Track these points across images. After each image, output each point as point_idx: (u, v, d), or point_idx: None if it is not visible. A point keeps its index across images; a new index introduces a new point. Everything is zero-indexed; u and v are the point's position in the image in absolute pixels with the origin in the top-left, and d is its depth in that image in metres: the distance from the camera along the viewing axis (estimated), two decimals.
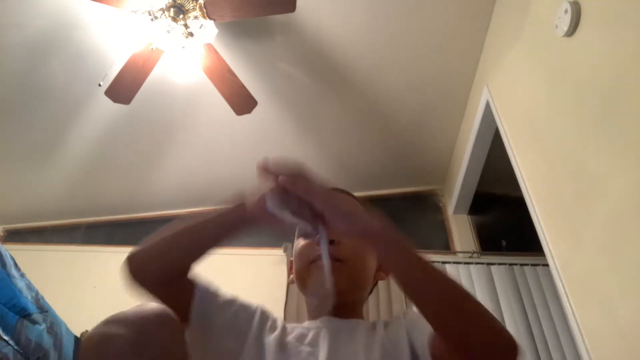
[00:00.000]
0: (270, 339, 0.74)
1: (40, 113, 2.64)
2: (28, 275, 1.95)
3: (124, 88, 2.20)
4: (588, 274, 1.55)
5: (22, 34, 2.27)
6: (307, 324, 0.80)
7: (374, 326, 0.78)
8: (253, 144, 2.99)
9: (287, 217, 0.65)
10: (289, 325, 0.79)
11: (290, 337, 0.75)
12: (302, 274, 0.81)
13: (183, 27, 2.00)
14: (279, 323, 0.79)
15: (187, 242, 0.73)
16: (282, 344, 0.73)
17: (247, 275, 2.87)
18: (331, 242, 0.74)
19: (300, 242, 0.84)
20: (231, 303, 0.79)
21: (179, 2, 1.99)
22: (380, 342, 0.73)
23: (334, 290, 0.72)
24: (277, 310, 2.19)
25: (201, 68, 2.17)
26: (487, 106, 2.43)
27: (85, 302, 2.73)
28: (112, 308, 2.65)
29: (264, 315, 0.80)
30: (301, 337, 0.75)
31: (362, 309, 0.84)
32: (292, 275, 0.86)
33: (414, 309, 0.71)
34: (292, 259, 0.87)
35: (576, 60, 1.61)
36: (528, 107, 1.99)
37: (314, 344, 0.73)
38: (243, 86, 2.25)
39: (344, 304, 0.77)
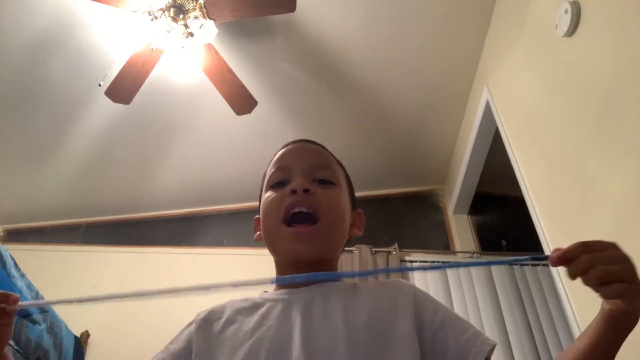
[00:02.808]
0: (230, 331, 0.66)
1: (40, 113, 2.64)
2: (28, 275, 1.96)
3: (124, 88, 2.20)
4: None
5: (22, 34, 2.27)
6: (273, 294, 0.72)
7: (354, 287, 0.71)
8: (253, 143, 2.99)
9: None
10: (243, 302, 0.71)
11: (255, 317, 0.67)
12: (272, 235, 0.73)
13: (183, 27, 2.00)
14: (228, 310, 0.70)
15: None
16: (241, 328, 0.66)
17: (247, 274, 2.86)
18: (305, 191, 0.71)
19: (269, 195, 0.75)
20: None
21: (179, 2, 1.99)
22: (366, 305, 0.66)
23: (309, 260, 0.69)
24: None
25: (201, 68, 2.17)
26: (487, 106, 2.43)
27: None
28: (112, 308, 2.68)
29: (204, 323, 0.69)
30: (268, 312, 0.67)
31: (336, 268, 0.77)
32: (258, 233, 0.78)
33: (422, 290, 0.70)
34: (258, 216, 0.79)
35: (576, 60, 1.61)
36: (528, 107, 1.99)
37: (284, 317, 0.65)
38: (243, 86, 2.25)
39: (315, 266, 0.69)
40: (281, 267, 0.75)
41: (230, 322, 0.67)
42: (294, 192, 0.71)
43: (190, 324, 0.70)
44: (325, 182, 0.75)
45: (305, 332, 0.62)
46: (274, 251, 0.74)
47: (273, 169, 0.79)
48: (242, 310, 0.69)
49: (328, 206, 0.72)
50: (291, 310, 0.66)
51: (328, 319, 0.64)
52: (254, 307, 0.69)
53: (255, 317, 0.67)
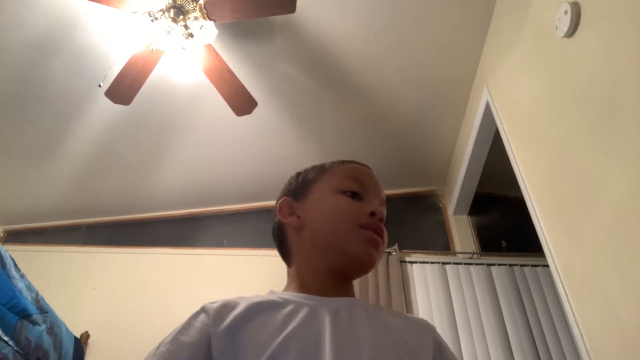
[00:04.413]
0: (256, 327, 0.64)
1: (40, 114, 2.64)
2: (28, 276, 1.96)
3: (124, 89, 2.20)
4: (588, 274, 1.55)
5: (22, 35, 2.27)
6: (292, 295, 0.70)
7: (376, 308, 0.74)
8: (253, 144, 2.99)
9: None
10: (259, 298, 0.69)
11: (279, 316, 0.65)
12: (344, 234, 0.72)
13: (183, 28, 2.01)
14: (244, 305, 0.67)
15: None
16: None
17: (246, 275, 2.87)
18: (380, 220, 0.74)
19: (343, 199, 0.76)
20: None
21: (179, 2, 1.99)
22: (392, 334, 0.68)
23: (373, 266, 0.72)
24: None
25: (201, 69, 2.17)
26: (487, 107, 2.43)
27: (85, 302, 2.74)
28: (112, 309, 2.68)
29: (219, 315, 0.66)
30: (293, 313, 0.66)
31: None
32: (294, 217, 0.77)
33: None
34: (287, 197, 0.80)
35: (576, 61, 1.61)
36: (528, 107, 1.99)
37: (311, 321, 0.64)
38: (243, 87, 2.26)
39: (350, 280, 0.75)
40: (317, 269, 0.74)
41: (249, 317, 0.65)
42: (373, 214, 0.74)
43: (198, 315, 0.67)
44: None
45: (335, 341, 0.62)
46: (335, 250, 0.73)
47: (347, 178, 0.79)
48: (261, 306, 0.67)
49: (386, 243, 0.75)
50: (317, 315, 0.65)
51: (354, 333, 0.65)
52: (274, 305, 0.67)
53: (279, 316, 0.65)
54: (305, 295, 0.70)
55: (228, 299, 0.69)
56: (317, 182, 0.80)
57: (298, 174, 0.85)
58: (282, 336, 0.61)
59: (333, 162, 0.84)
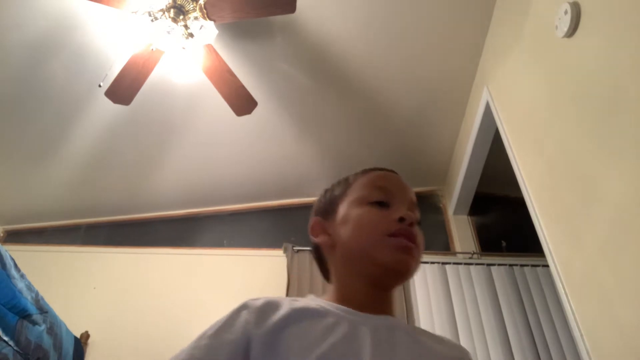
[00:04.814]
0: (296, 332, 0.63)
1: (40, 114, 2.64)
2: (28, 276, 1.96)
3: (124, 89, 2.20)
4: (588, 274, 1.55)
5: (22, 35, 2.27)
6: (331, 306, 0.69)
7: (414, 330, 0.72)
8: (253, 144, 2.99)
9: None
10: (299, 303, 0.68)
11: (320, 325, 0.65)
12: (373, 244, 0.71)
13: (183, 28, 2.01)
14: (286, 307, 0.67)
15: None
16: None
17: (246, 275, 2.87)
18: (410, 225, 0.72)
19: (369, 210, 0.75)
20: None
21: (179, 2, 1.99)
22: (436, 355, 0.67)
23: (410, 274, 0.71)
24: None
25: (201, 69, 2.18)
26: (487, 107, 2.43)
27: (85, 303, 2.74)
28: (112, 309, 2.68)
29: (262, 314, 0.66)
30: (334, 326, 0.64)
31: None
32: (323, 236, 0.77)
33: None
34: (317, 217, 0.79)
35: (576, 61, 1.61)
36: (528, 107, 1.99)
37: (352, 338, 0.63)
38: (243, 87, 2.26)
39: (389, 290, 0.73)
40: (354, 284, 0.73)
41: (290, 322, 0.64)
42: (402, 220, 0.72)
43: (240, 311, 0.66)
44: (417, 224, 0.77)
45: None
46: (367, 262, 0.71)
47: (371, 187, 0.78)
48: (303, 313, 0.66)
49: (421, 246, 0.73)
50: (358, 333, 0.64)
51: (394, 355, 0.64)
52: (315, 314, 0.66)
53: (320, 325, 0.64)
54: (345, 308, 0.68)
55: (270, 298, 0.69)
56: (343, 197, 0.79)
57: (325, 191, 0.84)
58: (321, 350, 0.60)
59: (357, 174, 0.82)
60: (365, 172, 0.82)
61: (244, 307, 0.67)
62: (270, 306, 0.66)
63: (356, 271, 0.73)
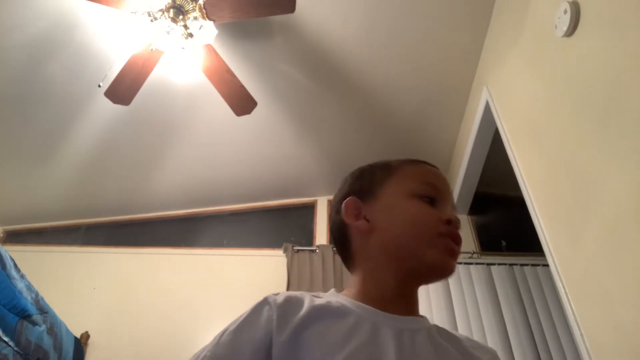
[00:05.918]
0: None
1: (40, 114, 2.64)
2: (28, 277, 1.96)
3: (123, 89, 2.20)
4: (588, 274, 1.55)
5: (22, 35, 2.27)
6: (354, 304, 0.67)
7: (440, 333, 0.70)
8: (252, 144, 2.99)
9: None
10: (321, 300, 0.66)
11: (343, 325, 0.63)
12: (423, 241, 0.69)
13: (183, 28, 2.01)
14: (307, 304, 0.65)
15: None
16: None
17: (246, 275, 2.87)
18: (449, 222, 0.71)
19: (420, 205, 0.72)
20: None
21: (178, 2, 1.99)
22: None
23: (450, 275, 0.69)
24: None
25: (201, 69, 2.18)
26: (487, 106, 2.43)
27: (85, 303, 2.74)
28: (112, 309, 2.68)
29: (284, 311, 0.64)
30: (357, 326, 0.63)
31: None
32: (362, 221, 0.72)
33: None
34: (353, 197, 0.74)
35: (575, 60, 1.61)
36: (528, 107, 1.99)
37: (375, 339, 0.62)
38: (243, 87, 2.25)
39: (417, 284, 0.72)
40: (384, 278, 0.70)
41: (311, 321, 0.62)
42: (449, 222, 0.71)
43: (261, 307, 0.65)
44: None
45: None
46: (412, 257, 0.70)
47: (421, 181, 0.75)
48: (324, 311, 0.64)
49: (460, 248, 0.73)
50: (381, 336, 0.62)
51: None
52: (337, 313, 0.65)
53: (341, 327, 0.63)
54: (367, 307, 0.67)
55: (291, 293, 0.67)
56: (387, 183, 0.75)
57: (362, 171, 0.80)
58: (344, 353, 0.59)
59: (401, 161, 0.79)
60: (411, 162, 0.79)
61: (265, 302, 0.65)
62: (291, 304, 0.64)
63: (395, 264, 0.70)
